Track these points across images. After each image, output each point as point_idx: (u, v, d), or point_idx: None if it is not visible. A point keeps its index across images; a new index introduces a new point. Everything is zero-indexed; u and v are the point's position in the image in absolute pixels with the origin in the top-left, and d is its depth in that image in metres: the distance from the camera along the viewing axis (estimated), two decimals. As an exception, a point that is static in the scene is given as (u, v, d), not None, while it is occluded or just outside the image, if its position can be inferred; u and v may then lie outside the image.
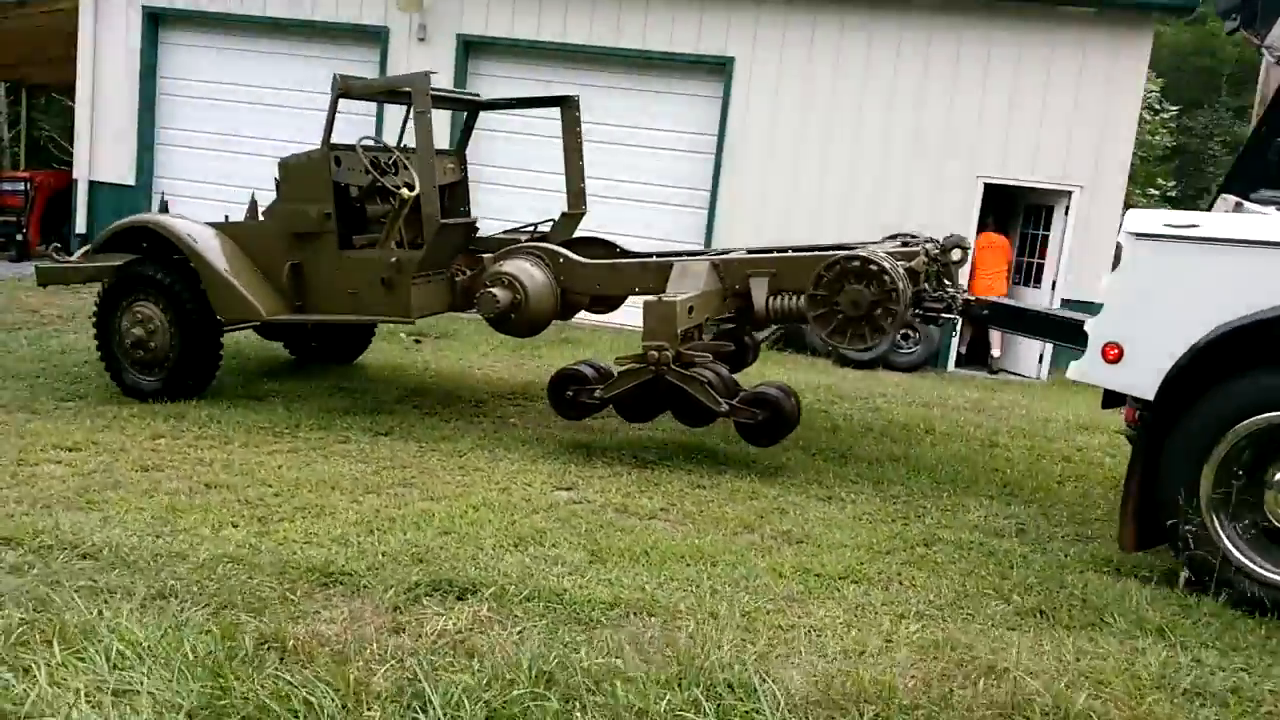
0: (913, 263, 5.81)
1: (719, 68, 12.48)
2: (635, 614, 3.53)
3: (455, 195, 7.54)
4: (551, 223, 7.49)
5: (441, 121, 7.91)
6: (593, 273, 6.44)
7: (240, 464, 5.28)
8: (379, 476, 5.22)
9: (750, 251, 6.45)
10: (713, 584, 3.87)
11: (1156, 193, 19.96)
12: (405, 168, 7.00)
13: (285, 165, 6.75)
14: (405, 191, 6.55)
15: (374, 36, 13.21)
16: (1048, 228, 12.33)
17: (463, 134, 8.03)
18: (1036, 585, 4.06)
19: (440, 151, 7.08)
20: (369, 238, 6.89)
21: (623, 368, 5.75)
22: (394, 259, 6.46)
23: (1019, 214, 12.91)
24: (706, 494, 5.25)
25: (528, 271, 6.32)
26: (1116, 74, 11.91)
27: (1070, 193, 11.98)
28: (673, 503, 5.04)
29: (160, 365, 6.80)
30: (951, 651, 3.28)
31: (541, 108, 7.56)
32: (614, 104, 12.70)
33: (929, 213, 11.69)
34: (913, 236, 6.46)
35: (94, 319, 6.97)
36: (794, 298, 5.85)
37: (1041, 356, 12.23)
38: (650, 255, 7.02)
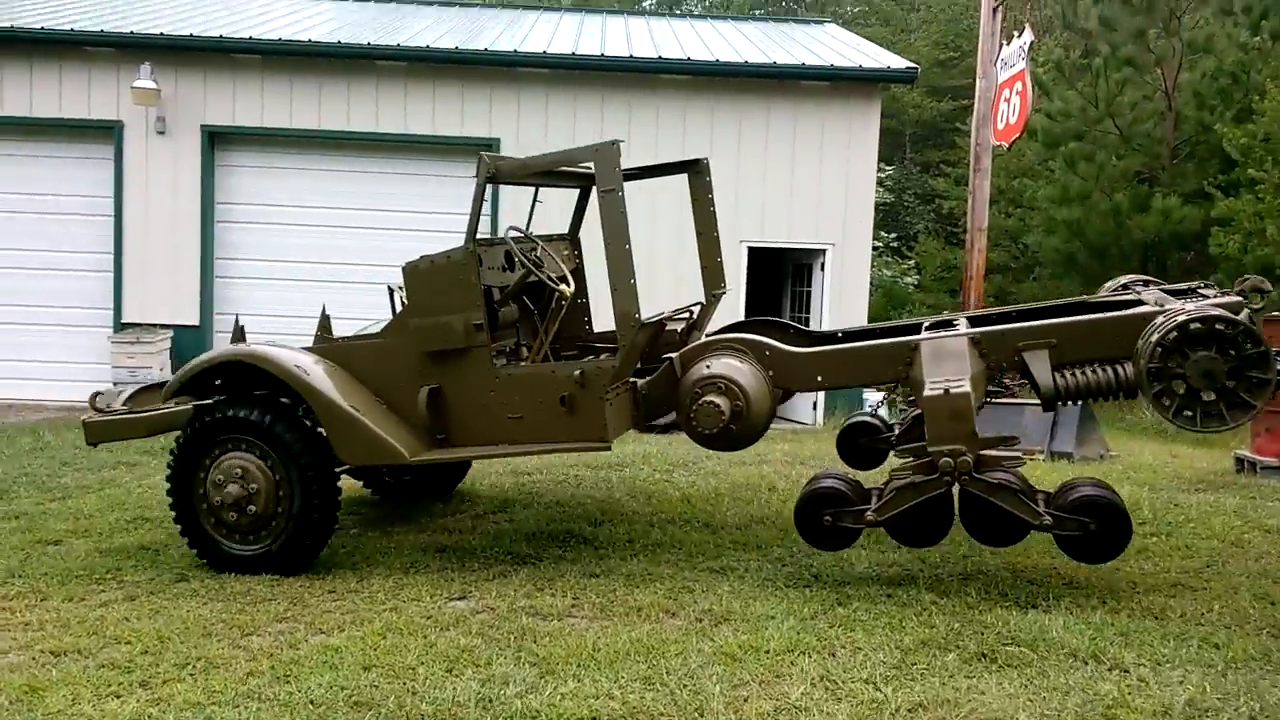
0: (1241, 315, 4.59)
1: (487, 149, 12.46)
2: (620, 725, 3.37)
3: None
4: (699, 306, 6.42)
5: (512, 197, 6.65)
6: (812, 364, 5.31)
7: (78, 621, 4.60)
8: (248, 615, 4.70)
9: (1000, 318, 5.46)
10: (675, 679, 3.76)
11: (880, 244, 21.83)
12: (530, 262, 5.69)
13: (415, 270, 5.47)
14: (565, 289, 5.55)
15: (105, 131, 12.17)
16: (809, 284, 13.18)
17: (577, 214, 6.82)
18: (963, 629, 4.23)
19: (556, 236, 6.34)
20: (499, 345, 5.74)
21: (899, 481, 4.72)
22: (578, 371, 5.23)
23: (788, 273, 13.72)
24: (604, 582, 5.11)
25: (740, 371, 5.21)
26: (853, 139, 13.00)
27: (825, 250, 12.88)
28: (578, 597, 4.87)
29: (265, 528, 5.41)
30: (946, 710, 3.35)
31: (668, 175, 6.55)
32: (383, 189, 12.40)
33: (698, 277, 12.18)
34: (1146, 283, 5.61)
35: (169, 480, 5.54)
36: (1096, 370, 4.84)
37: (815, 403, 12.96)
38: (864, 334, 5.85)
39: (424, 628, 4.44)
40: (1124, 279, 5.77)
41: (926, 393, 4.63)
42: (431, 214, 12.44)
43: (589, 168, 5.62)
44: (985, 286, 13.26)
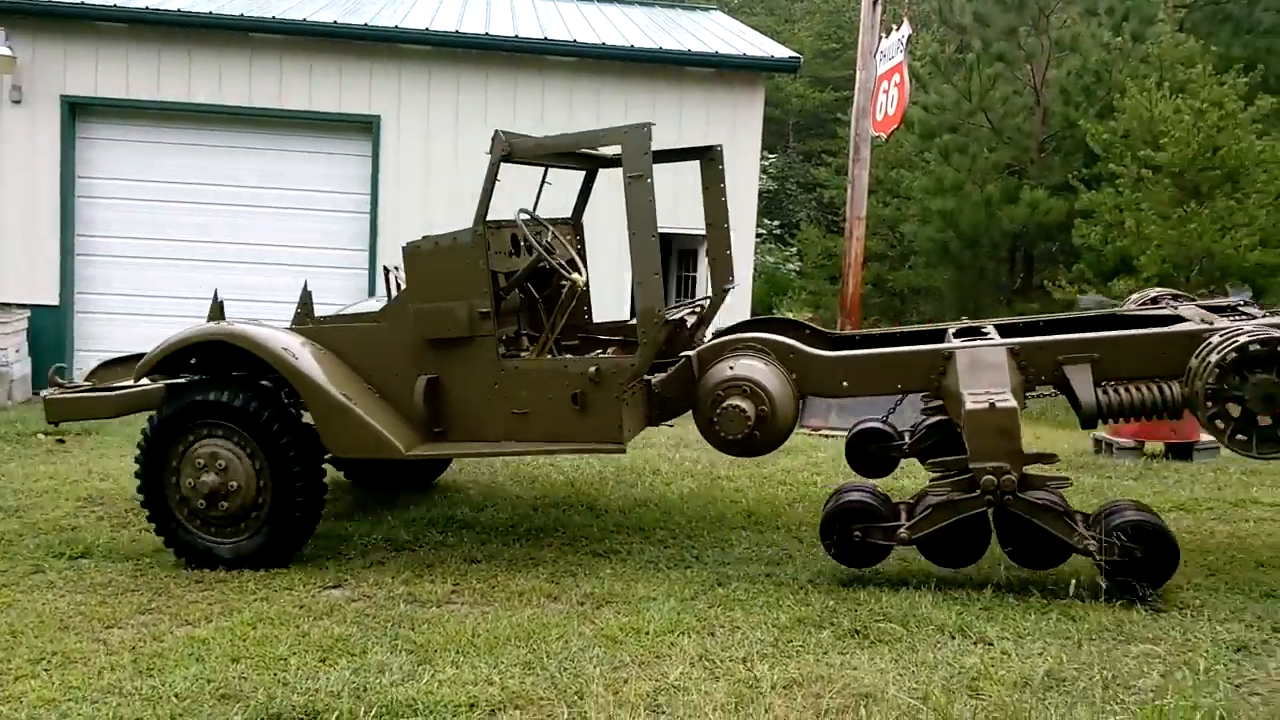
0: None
1: (365, 126, 12.14)
2: (500, 711, 3.34)
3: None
4: (707, 301, 6.11)
5: (511, 182, 5.68)
6: (838, 368, 5.00)
7: (-82, 619, 4.33)
8: (108, 606, 4.49)
9: (1027, 328, 5.25)
10: (556, 662, 3.75)
11: (764, 231, 22.15)
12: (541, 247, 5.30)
13: (417, 252, 5.12)
14: (578, 278, 5.19)
15: (-50, 99, 11.42)
16: (695, 269, 13.27)
17: (582, 197, 6.47)
18: (838, 607, 4.33)
19: (558, 221, 5.87)
20: (501, 333, 5.36)
21: (936, 498, 4.47)
22: (594, 368, 4.87)
23: (673, 259, 13.78)
24: (485, 568, 5.06)
25: (765, 373, 4.89)
26: (738, 127, 13.11)
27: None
28: (459, 583, 4.81)
29: (243, 521, 5.07)
30: (820, 686, 3.42)
31: (677, 161, 6.03)
32: (256, 165, 11.95)
33: (591, 260, 12.17)
34: (1175, 296, 5.43)
35: (139, 465, 5.17)
36: (1141, 388, 4.62)
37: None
38: (883, 338, 5.61)
39: (296, 617, 4.32)
40: (1153, 292, 5.57)
41: (969, 405, 4.35)
42: (306, 191, 12.06)
43: (592, 151, 5.60)
44: (863, 274, 13.57)
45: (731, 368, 4.89)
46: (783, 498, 6.63)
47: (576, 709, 3.33)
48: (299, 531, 5.10)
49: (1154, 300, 5.45)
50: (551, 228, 5.51)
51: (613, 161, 6.07)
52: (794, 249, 21.81)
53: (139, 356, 5.81)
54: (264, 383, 5.22)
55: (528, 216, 5.40)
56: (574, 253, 5.38)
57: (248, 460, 5.03)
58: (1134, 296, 5.67)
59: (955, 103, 18.55)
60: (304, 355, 5.06)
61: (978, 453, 4.30)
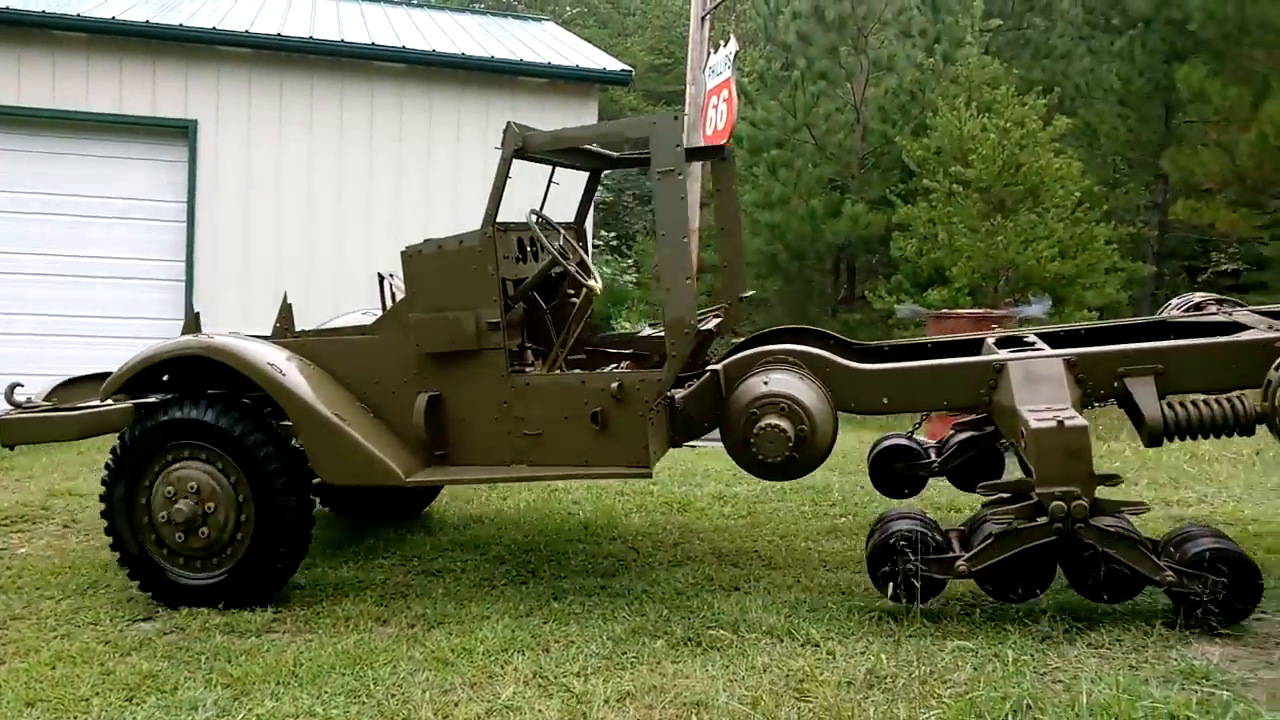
0: None
1: (181, 131, 11.55)
2: (324, 742, 3.21)
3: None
4: (724, 310, 5.62)
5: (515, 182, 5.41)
6: (878, 382, 4.63)
7: None
8: (-118, 654, 4.09)
9: (1068, 337, 4.91)
10: (384, 689, 3.63)
11: (600, 243, 22.24)
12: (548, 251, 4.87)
13: (417, 256, 4.70)
14: (595, 285, 4.85)
15: None
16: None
17: (584, 200, 5.96)
18: (671, 616, 4.36)
19: (563, 225, 5.34)
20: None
21: (997, 526, 4.04)
22: (616, 384, 4.45)
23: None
24: (309, 593, 4.87)
25: (802, 389, 4.49)
26: (571, 137, 13.17)
27: (544, 246, 12.97)
28: (280, 610, 4.60)
29: (223, 554, 4.62)
30: (653, 697, 3.43)
31: (690, 161, 5.49)
32: (62, 171, 11.20)
33: (363, 277, 11.92)
34: (1219, 301, 5.12)
35: (105, 490, 4.71)
36: (1210, 403, 4.32)
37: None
38: (915, 350, 5.18)
39: (101, 654, 4.04)
40: (1196, 297, 5.26)
41: (1034, 424, 3.94)
42: (115, 199, 11.39)
43: (603, 149, 5.35)
44: (697, 286, 13.84)
45: (766, 383, 4.49)
46: (620, 508, 6.65)
47: (405, 736, 3.24)
48: (284, 566, 4.67)
49: (1197, 306, 5.12)
50: (563, 231, 5.10)
51: (618, 162, 5.91)
52: (631, 260, 21.98)
53: (104, 376, 5.29)
54: (244, 401, 4.79)
55: (539, 218, 5.00)
56: (587, 259, 5.03)
57: (229, 486, 4.60)
58: (1175, 301, 5.39)
59: (781, 119, 19.12)
60: (291, 371, 4.63)
61: (1045, 476, 3.90)
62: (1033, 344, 4.66)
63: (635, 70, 15.36)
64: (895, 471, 5.52)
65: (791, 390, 4.45)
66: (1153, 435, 4.27)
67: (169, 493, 4.59)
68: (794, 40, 20.08)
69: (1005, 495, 4.20)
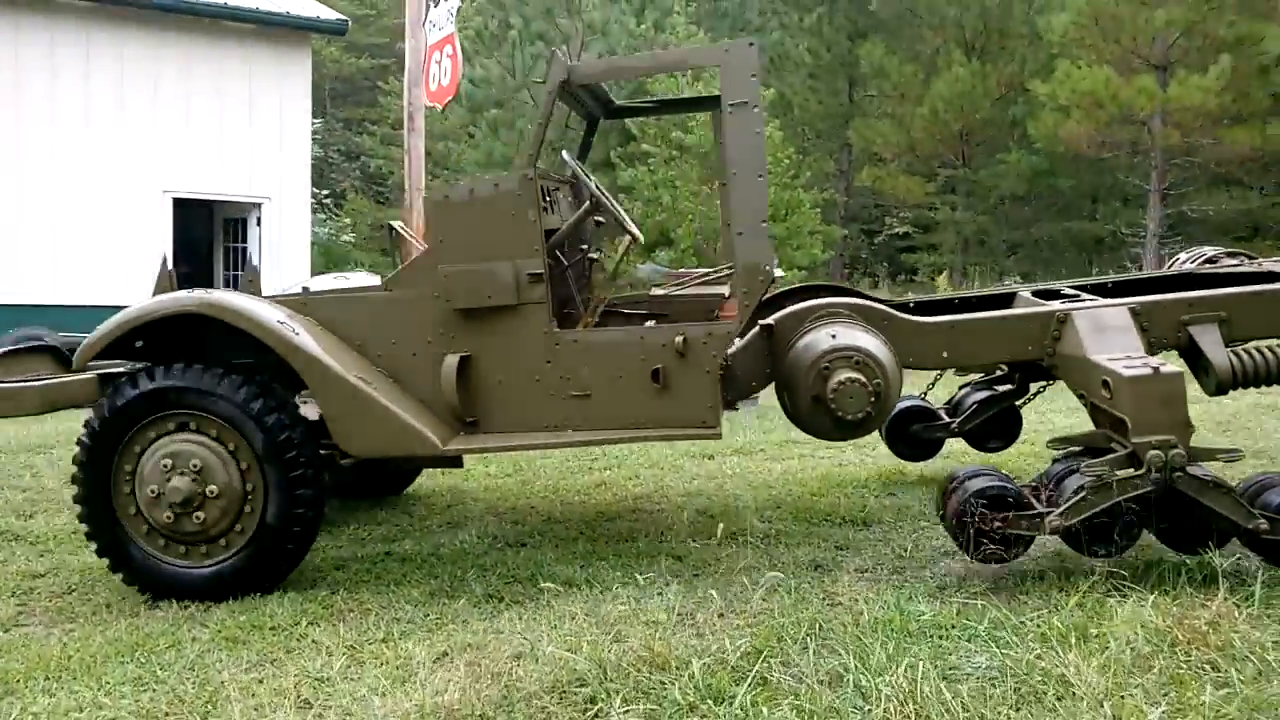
0: None
1: None
2: (123, 736, 2.98)
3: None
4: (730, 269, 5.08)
5: None
6: (938, 335, 4.33)
7: None
8: None
9: (1105, 290, 4.67)
10: (174, 674, 3.38)
11: (313, 200, 21.17)
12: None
13: (447, 203, 4.20)
14: (637, 233, 4.42)
15: None
16: (245, 239, 12.43)
17: (582, 149, 5.20)
18: (465, 576, 4.35)
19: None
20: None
21: (1090, 479, 3.75)
22: (680, 337, 4.10)
23: (218, 227, 12.77)
24: (53, 581, 4.44)
25: (872, 342, 4.14)
26: (285, 88, 12.45)
27: (260, 204, 12.23)
28: (26, 602, 4.20)
29: (223, 539, 4.07)
30: (473, 653, 3.43)
31: (689, 111, 5.11)
32: None
33: (119, 231, 10.91)
34: (1231, 254, 5.01)
35: (79, 471, 4.07)
36: (1276, 350, 4.20)
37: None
38: (942, 305, 4.83)
39: None
40: (1207, 250, 5.16)
41: (1128, 372, 3.77)
42: None
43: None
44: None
45: (834, 336, 4.15)
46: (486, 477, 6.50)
47: (217, 715, 3.05)
48: (296, 549, 4.17)
49: (1211, 260, 5.03)
50: (594, 179, 4.62)
51: (622, 111, 5.42)
52: (347, 220, 21.16)
53: (47, 348, 4.74)
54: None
55: (576, 163, 4.59)
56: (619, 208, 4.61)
57: (230, 460, 4.05)
58: (1183, 256, 5.26)
59: (500, 78, 19.04)
60: (305, 332, 4.12)
61: (1141, 425, 3.73)
62: (1075, 296, 4.54)
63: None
64: (911, 434, 5.50)
65: (862, 343, 4.13)
66: (1221, 384, 4.19)
67: (159, 470, 4.04)
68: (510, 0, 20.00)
69: (1076, 449, 4.12)
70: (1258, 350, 4.23)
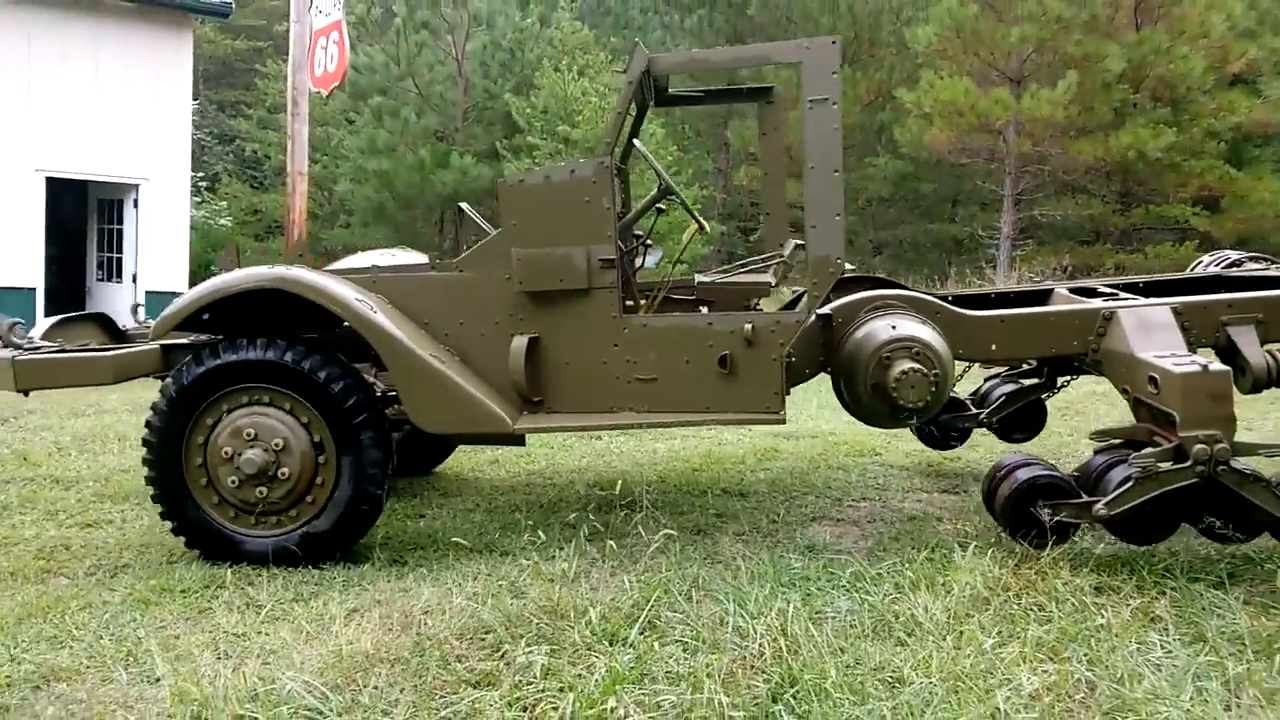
0: None
1: None
2: (49, 683, 3.12)
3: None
4: (778, 259, 5.23)
5: None
6: (988, 329, 4.41)
7: None
8: None
9: (1137, 290, 4.79)
10: (90, 633, 3.52)
11: (207, 182, 20.64)
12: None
13: (520, 187, 4.29)
14: (703, 224, 4.50)
15: None
16: (121, 221, 12.14)
17: (631, 134, 5.01)
18: (367, 542, 4.57)
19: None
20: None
21: (1138, 470, 3.82)
22: (749, 325, 4.23)
23: (92, 210, 12.43)
24: (-49, 554, 4.46)
25: (930, 334, 4.23)
26: (165, 69, 12.22)
27: (138, 185, 11.98)
28: (-76, 573, 4.20)
29: (294, 508, 4.20)
30: (382, 610, 3.68)
31: (737, 102, 5.30)
32: None
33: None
34: (1254, 258, 5.15)
35: (151, 442, 4.18)
36: None
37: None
38: (977, 299, 4.88)
39: None
40: (1231, 254, 5.32)
41: (1173, 368, 3.87)
42: None
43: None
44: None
45: (894, 327, 4.24)
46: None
47: (139, 667, 3.22)
48: (365, 519, 4.26)
49: (1235, 263, 5.21)
50: (663, 172, 4.62)
51: (673, 100, 5.47)
52: (224, 204, 20.69)
53: (94, 316, 4.88)
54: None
55: (646, 152, 4.63)
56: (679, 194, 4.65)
57: (303, 432, 4.17)
58: (1206, 259, 5.45)
59: (385, 66, 18.95)
60: (380, 310, 4.22)
61: (1189, 419, 3.82)
62: (1114, 294, 4.70)
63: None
64: (942, 423, 5.62)
65: (921, 334, 4.23)
66: (1257, 382, 4.33)
67: (233, 442, 4.15)
68: (394, -13, 19.91)
69: (1117, 441, 4.25)
70: None
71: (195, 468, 4.23)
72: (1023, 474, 4.07)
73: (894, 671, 2.99)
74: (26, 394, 4.68)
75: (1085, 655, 3.08)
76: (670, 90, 5.34)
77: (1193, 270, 5.36)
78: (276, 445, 4.16)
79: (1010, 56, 19.33)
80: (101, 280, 12.44)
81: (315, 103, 18.64)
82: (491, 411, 4.20)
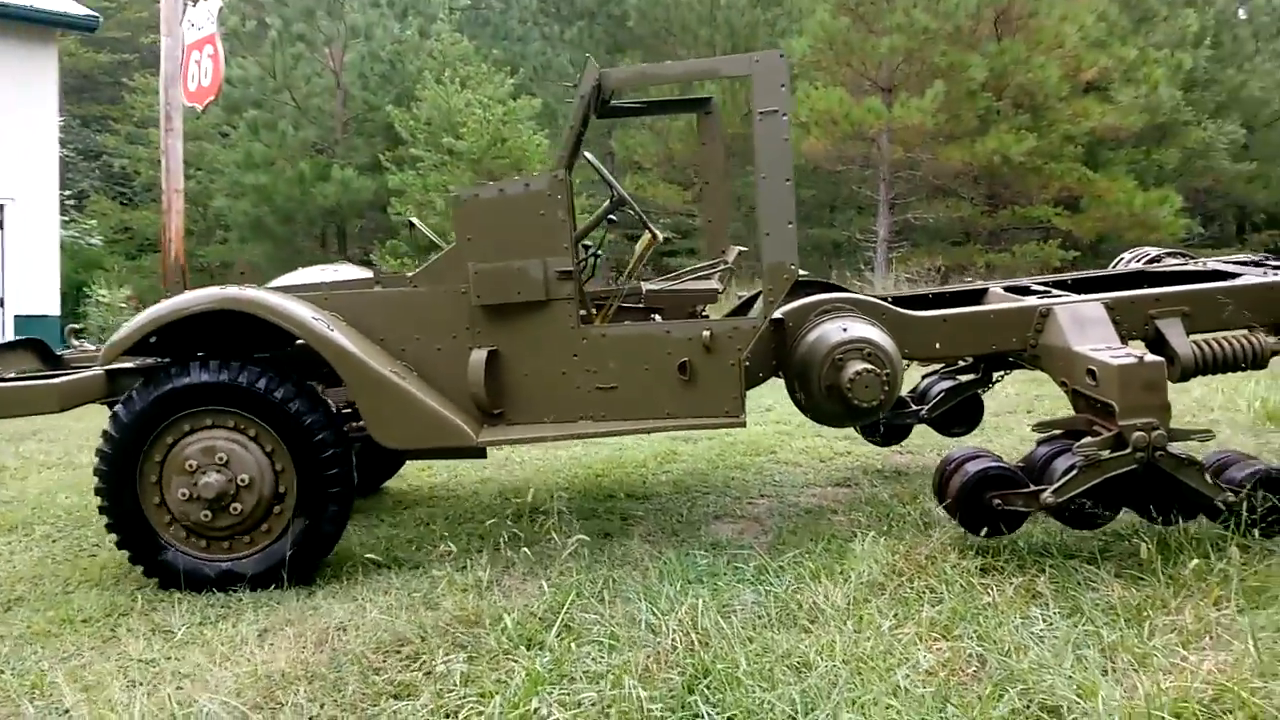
0: None
1: None
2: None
3: None
4: (723, 266, 5.30)
5: None
6: (931, 329, 4.53)
7: None
8: None
9: (1065, 287, 4.92)
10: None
11: (73, 200, 19.77)
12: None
13: (474, 201, 4.34)
14: (658, 232, 4.61)
15: None
16: (-10, 242, 11.63)
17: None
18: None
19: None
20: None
21: (1081, 458, 3.94)
22: (707, 332, 4.30)
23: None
24: None
25: (879, 335, 4.34)
26: (29, 85, 11.76)
27: (3, 205, 11.50)
28: None
29: (254, 531, 4.17)
30: (295, 628, 3.67)
31: (673, 113, 5.14)
32: None
33: None
34: (1177, 254, 5.32)
35: (103, 473, 4.09)
36: (1230, 341, 4.54)
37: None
38: (914, 300, 4.98)
39: None
40: (1151, 250, 5.54)
41: (1112, 361, 4.02)
42: None
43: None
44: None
45: (845, 329, 4.36)
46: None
47: (46, 699, 3.16)
48: (328, 541, 4.23)
49: (1154, 259, 5.45)
50: (618, 185, 4.69)
51: (609, 111, 5.39)
52: (92, 222, 19.89)
53: (25, 342, 4.87)
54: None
55: (598, 163, 4.65)
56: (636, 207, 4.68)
57: (258, 452, 4.14)
58: (1127, 255, 5.67)
59: (260, 79, 18.55)
60: (335, 327, 4.19)
61: (1128, 408, 3.98)
62: (1046, 292, 4.92)
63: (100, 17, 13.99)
64: (884, 420, 5.70)
65: (871, 336, 4.37)
66: (1185, 371, 4.54)
67: (191, 466, 4.09)
68: (268, -1, 19.51)
69: (1058, 432, 4.34)
70: (1217, 341, 4.62)
71: (149, 490, 4.18)
72: (972, 466, 4.13)
73: (800, 657, 3.14)
74: None
75: (975, 632, 3.28)
76: (611, 102, 5.40)
77: (1115, 266, 5.57)
78: (237, 468, 4.12)
79: (881, 66, 20.04)
80: (-34, 305, 11.88)
81: (188, 117, 18.12)
82: (455, 425, 4.21)
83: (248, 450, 4.15)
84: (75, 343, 5.36)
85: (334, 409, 4.34)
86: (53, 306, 11.76)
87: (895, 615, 3.44)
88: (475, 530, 4.93)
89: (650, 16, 23.97)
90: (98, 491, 4.18)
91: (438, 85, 16.26)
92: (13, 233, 11.57)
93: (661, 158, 25.20)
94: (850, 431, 7.26)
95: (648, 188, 25.37)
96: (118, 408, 4.19)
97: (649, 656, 3.17)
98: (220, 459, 4.12)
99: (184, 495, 4.11)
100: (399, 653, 3.37)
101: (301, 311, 4.19)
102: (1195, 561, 3.67)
